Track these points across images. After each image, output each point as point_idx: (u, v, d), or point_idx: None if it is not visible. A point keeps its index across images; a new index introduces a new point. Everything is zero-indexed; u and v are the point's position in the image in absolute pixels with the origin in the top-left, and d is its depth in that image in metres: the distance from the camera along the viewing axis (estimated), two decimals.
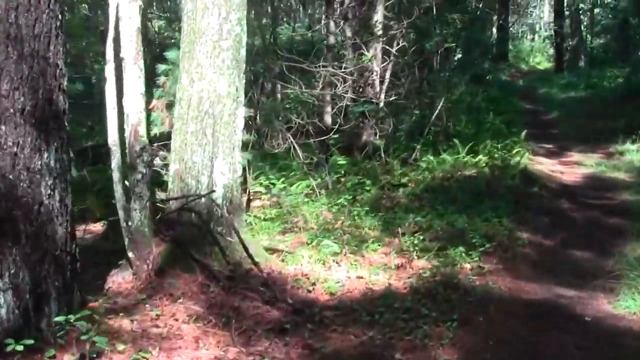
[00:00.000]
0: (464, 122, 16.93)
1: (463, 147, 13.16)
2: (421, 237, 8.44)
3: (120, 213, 6.53)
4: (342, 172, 12.25)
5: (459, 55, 17.22)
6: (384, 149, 13.31)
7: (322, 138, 11.81)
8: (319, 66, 9.11)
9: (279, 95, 12.18)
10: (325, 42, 12.86)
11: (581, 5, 32.41)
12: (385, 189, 11.34)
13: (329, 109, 12.26)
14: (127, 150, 6.58)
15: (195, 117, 6.85)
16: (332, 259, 7.64)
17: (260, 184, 11.12)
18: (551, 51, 36.08)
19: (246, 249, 6.58)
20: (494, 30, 33.18)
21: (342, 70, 8.54)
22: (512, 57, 35.69)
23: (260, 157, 12.48)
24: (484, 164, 12.39)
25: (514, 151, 13.68)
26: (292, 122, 9.20)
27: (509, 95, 23.75)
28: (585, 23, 33.07)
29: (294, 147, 8.98)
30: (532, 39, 43.44)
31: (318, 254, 7.70)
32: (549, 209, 10.19)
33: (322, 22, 13.71)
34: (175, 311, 6.01)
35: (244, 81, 7.15)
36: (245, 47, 7.09)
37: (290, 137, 9.04)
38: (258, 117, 9.14)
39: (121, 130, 6.55)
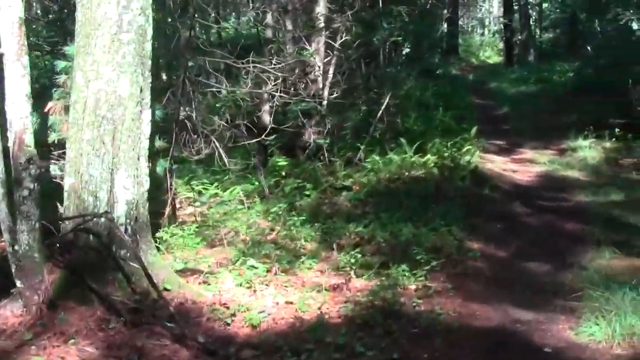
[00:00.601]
0: (413, 118, 15.95)
1: (411, 145, 12.17)
2: (361, 252, 7.44)
3: (6, 236, 5.40)
4: (283, 174, 11.23)
5: (407, 50, 16.23)
6: (328, 149, 12.29)
7: (258, 139, 10.74)
8: (247, 62, 7.95)
9: (208, 96, 11.02)
10: (262, 36, 11.78)
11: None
12: (327, 192, 10.32)
13: (266, 107, 11.20)
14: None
15: (91, 123, 5.70)
16: (260, 280, 6.59)
17: (192, 189, 10.05)
18: (501, 45, 35.36)
19: (149, 277, 5.47)
20: (444, 24, 32.35)
21: (273, 66, 7.43)
22: (463, 52, 34.92)
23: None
24: (433, 164, 11.43)
25: (465, 149, 12.73)
26: (216, 125, 8.00)
27: (460, 90, 22.86)
28: (534, 17, 32.39)
29: (218, 152, 7.86)
30: (482, 34, 42.79)
31: (243, 276, 6.62)
32: (502, 214, 9.27)
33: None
34: (65, 355, 4.93)
35: (149, 80, 6.01)
36: (151, 40, 5.96)
37: (215, 140, 7.88)
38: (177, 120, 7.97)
39: (4, 138, 5.43)
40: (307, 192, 10.09)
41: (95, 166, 5.71)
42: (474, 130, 14.21)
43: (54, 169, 7.35)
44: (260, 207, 9.45)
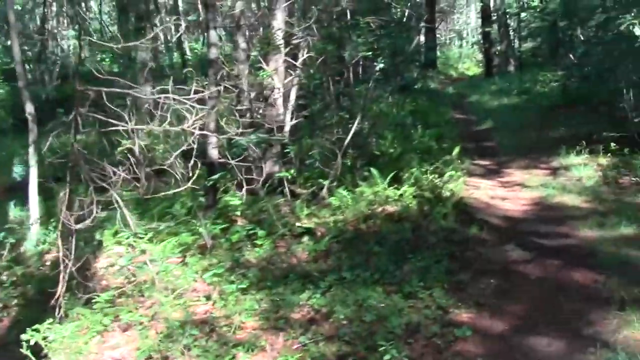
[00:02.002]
0: (389, 140, 13.95)
1: (385, 174, 10.16)
2: (315, 336, 5.41)
3: None
4: (238, 213, 9.22)
5: (381, 65, 14.24)
6: (291, 182, 10.28)
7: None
8: (160, 92, 5.83)
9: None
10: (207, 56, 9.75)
11: (508, 9, 29.90)
12: (284, 239, 8.29)
13: (213, 140, 9.17)
14: None
15: None
16: None
17: (120, 243, 8.00)
18: (480, 57, 33.56)
19: None
20: (421, 37, 30.47)
21: (189, 97, 5.40)
22: (441, 65, 33.13)
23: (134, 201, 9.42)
24: (411, 197, 9.43)
25: (447, 174, 10.74)
26: (109, 170, 5.85)
27: (439, 105, 20.97)
28: (513, 27, 30.50)
29: (117, 202, 5.77)
30: (460, 45, 40.99)
31: None
32: (494, 263, 7.22)
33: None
34: None
35: None
36: None
37: (111, 187, 5.77)
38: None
39: None
40: (259, 241, 8.05)
41: None
42: (456, 150, 12.26)
43: None
44: (199, 265, 7.41)
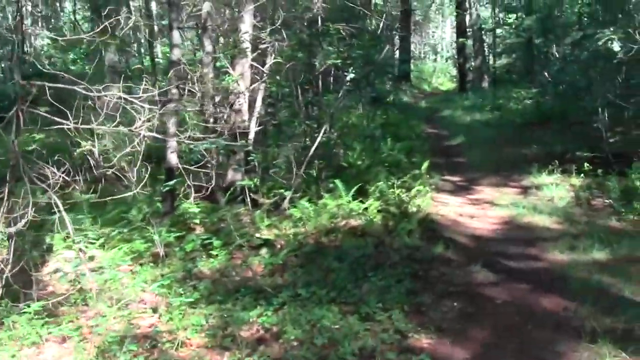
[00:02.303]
0: (358, 151, 13.58)
1: (350, 186, 9.77)
2: (261, 358, 4.97)
3: None
4: (197, 221, 8.78)
5: (352, 75, 13.82)
6: (253, 191, 9.85)
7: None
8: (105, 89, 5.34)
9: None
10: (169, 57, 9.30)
11: (483, 25, 29.76)
12: (241, 251, 7.85)
13: (172, 144, 8.72)
14: None
15: None
16: None
17: (71, 247, 7.52)
18: (454, 72, 33.39)
19: None
20: (395, 49, 30.22)
21: (137, 97, 4.97)
22: (415, 79, 32.88)
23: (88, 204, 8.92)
24: (375, 211, 9.05)
25: (414, 189, 10.37)
26: (48, 172, 5.36)
27: (411, 118, 20.64)
28: (488, 43, 30.34)
29: (55, 204, 5.28)
30: (435, 60, 40.81)
31: None
32: (459, 285, 6.82)
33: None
34: None
35: None
36: None
37: (49, 188, 5.27)
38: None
39: None
40: (215, 252, 7.61)
41: None
42: (425, 165, 11.87)
43: None
44: (149, 274, 6.95)
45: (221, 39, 11.47)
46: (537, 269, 7.46)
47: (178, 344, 5.27)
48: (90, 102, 5.26)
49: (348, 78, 13.56)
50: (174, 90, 8.71)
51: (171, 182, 8.36)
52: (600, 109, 13.39)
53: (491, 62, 29.26)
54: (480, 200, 11.23)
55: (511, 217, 9.92)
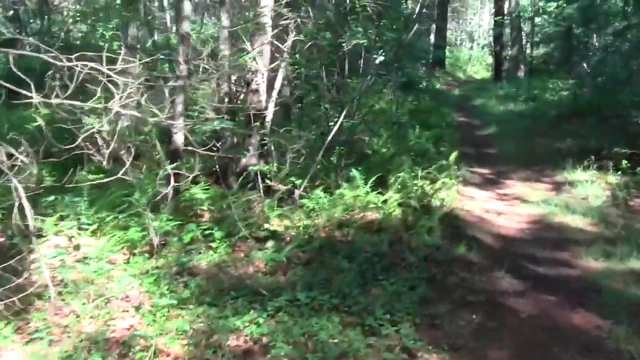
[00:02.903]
0: (384, 138, 12.77)
1: (371, 176, 8.98)
2: None
3: None
4: (205, 208, 8.09)
5: (381, 57, 12.97)
6: (267, 177, 9.11)
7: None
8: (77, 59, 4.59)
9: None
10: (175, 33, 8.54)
11: (522, 13, 28.56)
12: (245, 243, 7.12)
13: (179, 125, 8.00)
14: None
15: None
16: None
17: (60, 233, 6.86)
18: (490, 60, 32.23)
19: None
20: (431, 36, 29.21)
21: (112, 67, 4.22)
22: (450, 66, 31.85)
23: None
24: (395, 205, 8.26)
25: (440, 181, 9.56)
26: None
27: (442, 106, 19.75)
28: (526, 31, 29.11)
29: (16, 189, 4.53)
30: (471, 47, 39.56)
31: None
32: (479, 293, 6.02)
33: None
34: None
35: None
36: None
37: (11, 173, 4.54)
38: None
39: None
40: (215, 243, 6.89)
41: None
42: (453, 156, 11.02)
43: None
44: (140, 267, 6.25)
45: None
46: (568, 277, 6.63)
47: (152, 353, 4.56)
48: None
49: (377, 61, 12.74)
50: (182, 66, 7.97)
51: (168, 166, 7.55)
52: None
53: (528, 51, 28.08)
54: (509, 195, 10.38)
55: (541, 216, 9.07)
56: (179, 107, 8.00)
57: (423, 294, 5.69)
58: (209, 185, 8.92)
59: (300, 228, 7.52)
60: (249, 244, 7.11)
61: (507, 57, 28.39)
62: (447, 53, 32.47)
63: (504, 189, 10.90)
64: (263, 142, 9.47)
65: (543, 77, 23.64)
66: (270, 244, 7.11)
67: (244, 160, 9.36)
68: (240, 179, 8.97)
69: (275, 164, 9.61)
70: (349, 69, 12.52)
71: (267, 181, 9.14)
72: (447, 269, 6.44)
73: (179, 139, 8.03)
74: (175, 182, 8.09)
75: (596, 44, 19.52)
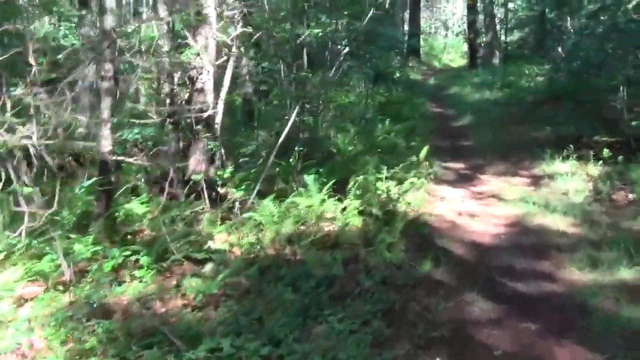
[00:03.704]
0: (351, 135, 11.66)
1: (329, 179, 7.88)
2: None
3: None
4: (143, 225, 6.97)
5: (347, 49, 11.83)
6: (216, 185, 8.02)
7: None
8: None
9: None
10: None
11: None
12: (183, 265, 6.00)
13: (106, 132, 6.83)
14: None
15: None
16: None
17: None
18: (465, 48, 31.15)
19: None
20: (406, 25, 28.10)
21: None
22: (424, 55, 30.70)
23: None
24: (355, 213, 7.14)
25: (408, 181, 8.45)
26: None
27: (417, 96, 18.64)
28: (499, 17, 28.00)
29: None
30: (446, 35, 38.46)
31: None
32: (446, 324, 4.87)
33: None
34: None
35: None
36: None
37: None
38: None
39: None
40: (140, 271, 5.75)
41: None
42: (424, 151, 9.89)
43: None
44: (44, 308, 5.10)
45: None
46: (551, 295, 5.53)
47: None
48: None
49: (343, 53, 11.62)
50: (108, 66, 6.81)
51: (90, 182, 6.42)
52: (620, 87, 11.41)
53: (503, 37, 26.99)
54: (485, 193, 9.28)
55: (519, 217, 7.97)
56: (105, 113, 6.84)
57: (377, 332, 4.56)
58: (151, 196, 7.81)
59: (247, 243, 6.39)
60: (185, 268, 6.00)
61: (482, 44, 27.33)
62: (422, 42, 31.35)
63: (479, 185, 9.80)
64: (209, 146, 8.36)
65: (518, 63, 22.59)
66: (208, 267, 5.99)
67: (191, 167, 8.24)
68: (186, 188, 7.86)
69: (229, 170, 8.55)
70: (315, 61, 11.46)
71: (219, 189, 8.08)
72: (408, 294, 5.32)
73: (104, 147, 6.85)
74: (105, 197, 6.97)
75: (570, 27, 18.45)
